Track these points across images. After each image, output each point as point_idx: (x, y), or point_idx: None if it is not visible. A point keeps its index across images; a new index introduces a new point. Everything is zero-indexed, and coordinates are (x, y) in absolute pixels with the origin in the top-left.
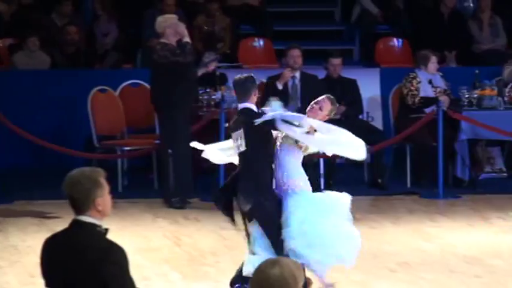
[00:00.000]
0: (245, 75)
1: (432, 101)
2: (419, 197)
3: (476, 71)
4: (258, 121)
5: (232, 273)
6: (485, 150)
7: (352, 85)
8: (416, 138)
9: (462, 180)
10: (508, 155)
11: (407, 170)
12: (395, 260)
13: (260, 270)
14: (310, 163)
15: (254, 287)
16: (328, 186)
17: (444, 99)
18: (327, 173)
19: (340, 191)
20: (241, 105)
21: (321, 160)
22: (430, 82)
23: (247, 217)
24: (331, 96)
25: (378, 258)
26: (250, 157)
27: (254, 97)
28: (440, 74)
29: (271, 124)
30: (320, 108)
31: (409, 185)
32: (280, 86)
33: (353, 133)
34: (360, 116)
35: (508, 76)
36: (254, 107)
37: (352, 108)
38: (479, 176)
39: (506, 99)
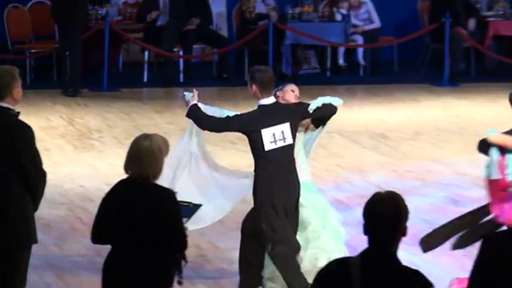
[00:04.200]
0: (264, 67)
1: (264, 16)
2: None
3: None
4: (311, 108)
5: (112, 147)
6: (303, 52)
7: (204, 2)
8: (253, 44)
9: (286, 74)
10: (320, 55)
11: (245, 67)
12: (236, 135)
13: (135, 141)
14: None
15: (129, 154)
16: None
17: (273, 15)
18: (185, 69)
19: (197, 83)
20: (267, 100)
21: (181, 60)
22: (263, 1)
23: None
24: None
25: (223, 134)
26: (292, 149)
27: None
28: None
29: (326, 110)
30: (292, 90)
31: (246, 78)
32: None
33: (204, 39)
34: (211, 26)
35: None
36: None
37: (205, 20)
38: (299, 71)
39: (320, 14)
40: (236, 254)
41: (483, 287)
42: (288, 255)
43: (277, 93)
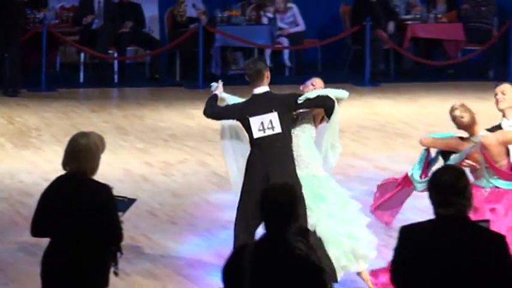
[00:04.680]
0: (254, 58)
1: (195, 19)
2: (185, 88)
3: None
4: (301, 99)
5: (51, 144)
6: (232, 54)
7: (137, 6)
8: (184, 46)
9: (216, 75)
10: (248, 57)
11: (176, 68)
12: (168, 133)
13: (72, 139)
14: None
15: (67, 151)
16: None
17: (203, 18)
18: (119, 70)
19: (131, 84)
20: (259, 90)
21: (115, 62)
22: (193, 5)
23: None
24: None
25: (155, 132)
26: (284, 139)
27: (267, 80)
28: None
29: (319, 101)
30: (312, 84)
31: (178, 79)
32: None
33: (137, 42)
34: (143, 29)
35: None
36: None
37: (138, 23)
38: (227, 72)
39: (247, 17)
40: (169, 246)
41: (402, 275)
42: (241, 241)
43: (301, 87)
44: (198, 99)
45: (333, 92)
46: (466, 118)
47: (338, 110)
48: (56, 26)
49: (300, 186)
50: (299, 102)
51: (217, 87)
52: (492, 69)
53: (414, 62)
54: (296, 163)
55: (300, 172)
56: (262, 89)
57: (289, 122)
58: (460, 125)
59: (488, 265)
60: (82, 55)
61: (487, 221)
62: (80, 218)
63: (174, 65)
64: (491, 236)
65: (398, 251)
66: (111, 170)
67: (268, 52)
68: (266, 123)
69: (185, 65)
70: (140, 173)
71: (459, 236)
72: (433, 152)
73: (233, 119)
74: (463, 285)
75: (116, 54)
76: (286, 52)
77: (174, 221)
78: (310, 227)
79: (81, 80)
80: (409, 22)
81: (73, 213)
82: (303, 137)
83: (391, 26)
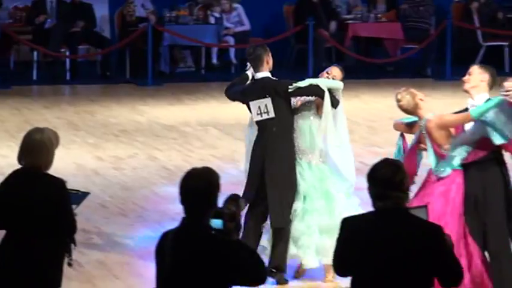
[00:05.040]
0: (255, 45)
1: (144, 19)
2: (136, 85)
3: None
4: (291, 88)
5: (5, 140)
6: (180, 52)
7: (88, 6)
8: (133, 45)
9: (164, 73)
10: (195, 55)
11: (127, 66)
12: (118, 128)
13: (27, 134)
14: None
15: (22, 146)
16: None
17: (152, 18)
18: (71, 68)
19: (82, 81)
20: (258, 75)
21: (67, 60)
22: (142, 5)
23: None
24: (339, 65)
25: (106, 127)
26: (279, 124)
27: (267, 65)
28: None
29: (309, 90)
30: (333, 77)
31: (128, 76)
32: None
33: (89, 41)
34: (94, 29)
35: None
36: (270, 75)
37: (89, 23)
38: (176, 69)
39: (195, 17)
40: (120, 237)
41: (344, 265)
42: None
43: (319, 74)
44: (148, 95)
45: (325, 82)
46: (403, 101)
47: (328, 100)
48: (10, 26)
49: (290, 170)
50: (289, 90)
51: (250, 67)
52: (430, 67)
53: (355, 59)
54: (295, 149)
55: (298, 158)
56: (262, 74)
57: (284, 108)
58: (401, 109)
59: (425, 255)
60: (35, 53)
61: (425, 206)
62: (35, 211)
63: (124, 63)
64: (428, 227)
65: (340, 241)
66: (64, 164)
67: (215, 50)
68: (262, 108)
69: (135, 63)
70: (92, 167)
71: (396, 228)
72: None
73: (240, 102)
74: (400, 275)
75: (68, 53)
76: (232, 50)
77: (125, 213)
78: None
79: (35, 77)
80: (350, 21)
81: (28, 206)
82: (301, 124)
83: (332, 25)
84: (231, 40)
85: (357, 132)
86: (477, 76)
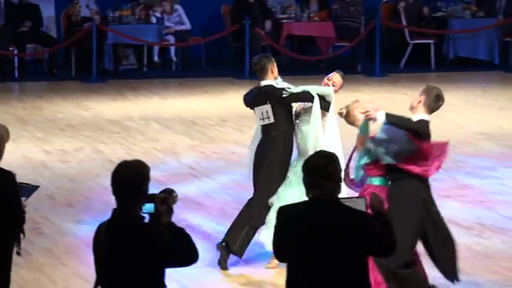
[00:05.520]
0: (261, 54)
1: (88, 19)
2: (81, 82)
3: None
4: (285, 94)
5: None
6: (123, 50)
7: (35, 7)
8: (79, 44)
9: (108, 70)
10: (138, 53)
11: (72, 63)
12: (64, 123)
13: None
14: None
15: None
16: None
17: (96, 18)
18: (19, 66)
19: (30, 78)
20: (262, 83)
21: (15, 58)
22: (87, 6)
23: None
24: (340, 72)
25: (53, 122)
26: (278, 128)
27: (272, 74)
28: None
29: (300, 96)
30: (332, 83)
31: (74, 73)
32: None
33: (36, 40)
34: (41, 28)
35: None
36: (274, 83)
37: (36, 22)
38: (119, 67)
39: (137, 17)
40: (67, 226)
41: (282, 252)
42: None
43: (321, 82)
44: (92, 92)
45: (316, 89)
46: (342, 116)
47: (317, 105)
48: None
49: (281, 172)
50: (284, 95)
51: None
52: (360, 64)
53: (290, 57)
54: (297, 151)
55: (298, 159)
56: (266, 82)
57: (283, 114)
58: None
59: (354, 240)
60: None
61: (364, 198)
62: None
63: (70, 61)
64: (355, 214)
65: (277, 229)
66: (13, 157)
67: (156, 49)
68: (264, 113)
69: (80, 61)
70: (39, 160)
71: (325, 216)
72: None
73: (249, 108)
74: (331, 259)
75: (16, 51)
76: (172, 49)
77: (71, 204)
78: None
79: None
80: (285, 21)
81: None
82: (302, 128)
83: (268, 24)
84: (172, 39)
85: None
86: (415, 98)
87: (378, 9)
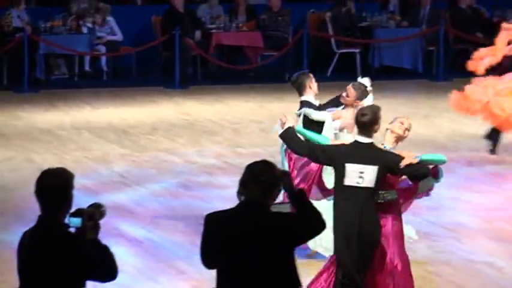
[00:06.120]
0: (300, 72)
1: (20, 29)
2: (13, 91)
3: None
4: (299, 112)
5: None
6: (54, 60)
7: None
8: (10, 53)
9: (40, 80)
10: (69, 63)
11: (4, 73)
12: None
13: None
14: None
15: None
16: None
17: (28, 28)
18: None
19: None
20: (303, 98)
21: None
22: (18, 16)
23: None
24: (355, 85)
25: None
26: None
27: (310, 90)
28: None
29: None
30: (347, 95)
31: (5, 83)
32: None
33: None
34: None
35: (78, 10)
36: (311, 99)
37: None
38: (51, 77)
39: (68, 27)
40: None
41: (209, 258)
42: None
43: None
44: (24, 101)
45: (311, 114)
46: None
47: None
48: None
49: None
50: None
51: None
52: (287, 73)
53: (219, 66)
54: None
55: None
56: (305, 98)
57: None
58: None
59: (275, 241)
60: None
61: (289, 202)
62: None
63: (2, 71)
64: (278, 215)
65: (204, 237)
66: None
67: (87, 58)
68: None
69: (12, 71)
70: None
71: (251, 220)
72: None
73: None
74: (258, 264)
75: None
76: (103, 58)
77: (3, 213)
78: None
79: None
80: (214, 31)
81: None
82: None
83: (197, 34)
84: (103, 49)
85: (222, 134)
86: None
87: (306, 19)
